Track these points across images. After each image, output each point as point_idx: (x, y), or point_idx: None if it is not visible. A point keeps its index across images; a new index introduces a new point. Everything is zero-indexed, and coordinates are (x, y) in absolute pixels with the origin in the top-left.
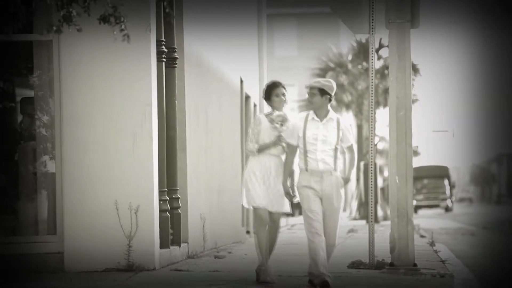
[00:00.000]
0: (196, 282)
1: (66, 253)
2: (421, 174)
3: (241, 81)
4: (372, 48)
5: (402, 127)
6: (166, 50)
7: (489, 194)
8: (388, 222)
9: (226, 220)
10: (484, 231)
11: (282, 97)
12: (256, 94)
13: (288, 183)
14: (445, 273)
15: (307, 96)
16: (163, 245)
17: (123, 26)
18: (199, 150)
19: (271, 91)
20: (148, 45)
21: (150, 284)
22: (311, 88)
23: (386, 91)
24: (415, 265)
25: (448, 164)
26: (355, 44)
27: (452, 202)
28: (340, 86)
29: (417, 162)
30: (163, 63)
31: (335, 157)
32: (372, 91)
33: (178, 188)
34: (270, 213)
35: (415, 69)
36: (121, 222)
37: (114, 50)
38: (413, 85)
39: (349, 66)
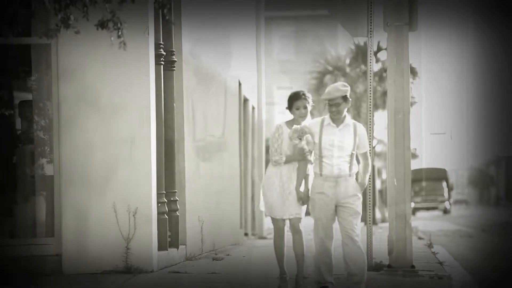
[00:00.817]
0: (194, 284)
1: (64, 255)
2: (419, 176)
3: (239, 84)
4: (370, 51)
5: (400, 129)
6: (164, 53)
7: (487, 196)
8: (386, 224)
9: (224, 222)
10: (482, 233)
11: (303, 110)
12: (254, 97)
13: (302, 189)
14: (443, 275)
15: (327, 107)
16: (161, 247)
17: (120, 33)
18: (197, 153)
19: (292, 103)
20: (147, 48)
21: (148, 287)
22: (333, 99)
23: (384, 94)
24: (413, 267)
25: (446, 166)
26: (353, 47)
27: (450, 204)
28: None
29: (415, 164)
30: (162, 66)
31: (351, 163)
32: (370, 94)
33: (176, 190)
34: (290, 220)
35: (413, 72)
36: (119, 225)
37: (112, 53)
38: (411, 88)
39: (347, 69)
